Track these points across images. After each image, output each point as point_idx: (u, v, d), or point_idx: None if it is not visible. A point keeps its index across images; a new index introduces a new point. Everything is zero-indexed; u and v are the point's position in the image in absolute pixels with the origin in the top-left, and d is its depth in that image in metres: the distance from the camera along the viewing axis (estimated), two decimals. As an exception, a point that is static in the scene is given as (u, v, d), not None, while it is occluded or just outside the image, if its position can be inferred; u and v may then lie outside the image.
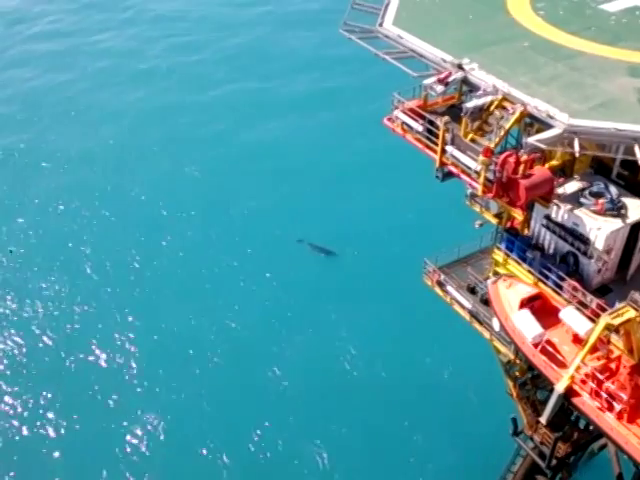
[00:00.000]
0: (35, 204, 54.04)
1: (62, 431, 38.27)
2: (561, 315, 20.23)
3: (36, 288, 46.42)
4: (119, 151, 60.01)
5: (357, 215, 51.64)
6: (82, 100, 66.93)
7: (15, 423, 38.63)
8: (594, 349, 19.16)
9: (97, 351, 42.24)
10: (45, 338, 43.60)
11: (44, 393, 39.90)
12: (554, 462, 26.53)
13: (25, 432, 38.40)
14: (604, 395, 19.00)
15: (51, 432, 38.34)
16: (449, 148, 21.62)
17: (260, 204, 53.18)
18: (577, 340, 20.02)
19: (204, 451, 37.17)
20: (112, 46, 76.75)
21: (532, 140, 19.30)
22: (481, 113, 20.99)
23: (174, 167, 57.80)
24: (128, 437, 37.83)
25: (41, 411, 39.23)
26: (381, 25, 24.61)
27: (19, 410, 39.17)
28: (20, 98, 67.91)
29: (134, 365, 41.48)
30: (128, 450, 37.29)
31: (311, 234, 49.78)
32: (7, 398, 39.63)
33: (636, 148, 18.77)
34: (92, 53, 75.50)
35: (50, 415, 39.12)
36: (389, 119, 23.92)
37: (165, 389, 40.27)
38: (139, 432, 38.04)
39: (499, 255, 23.30)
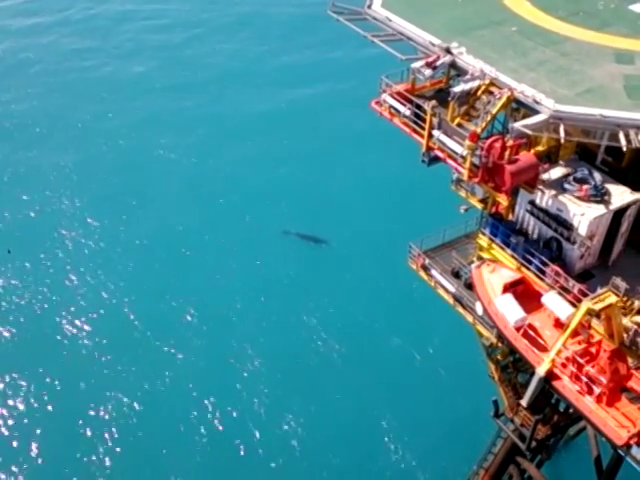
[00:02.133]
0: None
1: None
2: (543, 300, 20.43)
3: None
4: (93, 136, 58.73)
5: (344, 202, 51.37)
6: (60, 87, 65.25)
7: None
8: (575, 333, 19.39)
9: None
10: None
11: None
12: (534, 444, 26.90)
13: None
14: (584, 379, 19.26)
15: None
16: (436, 132, 21.63)
17: (243, 194, 52.58)
18: (558, 324, 20.25)
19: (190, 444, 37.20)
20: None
21: (518, 125, 19.36)
22: (468, 98, 21.01)
23: (155, 154, 56.85)
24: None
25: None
26: (370, 7, 24.46)
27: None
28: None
29: (106, 353, 41.18)
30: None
31: (298, 224, 49.36)
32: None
33: (621, 134, 18.90)
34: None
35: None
36: (377, 102, 23.84)
37: (145, 375, 40.15)
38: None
39: (483, 240, 23.44)
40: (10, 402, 38.66)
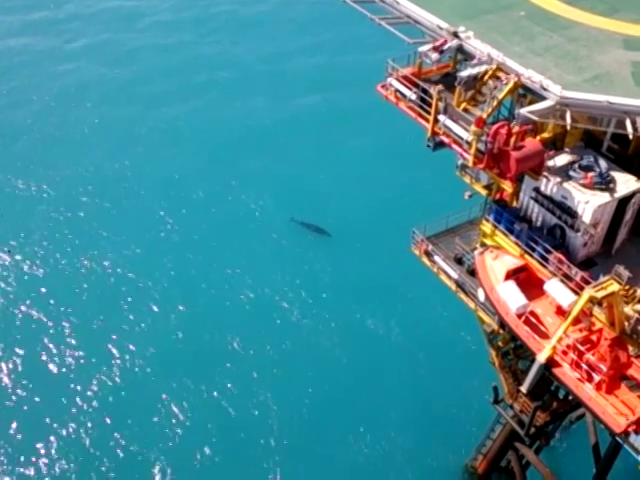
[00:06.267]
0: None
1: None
2: (545, 287, 20.46)
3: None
4: (93, 136, 57.93)
5: (347, 189, 50.89)
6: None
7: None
8: (577, 321, 19.43)
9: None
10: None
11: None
12: (533, 430, 27.08)
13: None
14: (584, 366, 19.33)
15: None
16: (442, 117, 21.51)
17: (246, 183, 52.17)
18: (560, 312, 20.27)
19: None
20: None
21: (524, 111, 19.25)
22: (475, 83, 20.86)
23: (152, 148, 56.11)
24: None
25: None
26: (377, -11, 24.20)
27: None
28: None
29: (123, 356, 40.76)
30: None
31: (301, 212, 48.90)
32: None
33: (627, 122, 18.80)
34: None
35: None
36: (382, 86, 23.69)
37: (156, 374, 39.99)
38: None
39: (487, 226, 23.41)
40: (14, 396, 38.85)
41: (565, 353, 19.72)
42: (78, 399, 38.23)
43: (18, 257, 46.46)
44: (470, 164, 21.09)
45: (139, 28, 72.72)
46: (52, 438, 36.42)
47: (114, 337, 41.36)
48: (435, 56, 21.21)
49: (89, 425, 37.05)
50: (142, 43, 69.93)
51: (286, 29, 71.18)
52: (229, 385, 39.13)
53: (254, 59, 66.64)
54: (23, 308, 43.07)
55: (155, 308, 43.37)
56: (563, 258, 20.51)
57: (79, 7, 76.43)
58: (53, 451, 36.00)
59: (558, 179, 20.77)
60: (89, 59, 67.37)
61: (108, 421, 37.21)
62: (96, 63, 66.72)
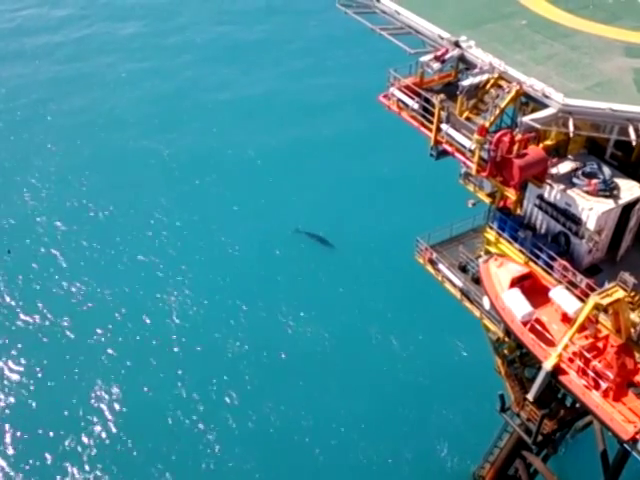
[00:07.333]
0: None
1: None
2: (551, 294, 20.43)
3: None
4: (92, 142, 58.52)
5: (351, 202, 51.02)
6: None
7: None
8: (582, 328, 19.39)
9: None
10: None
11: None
12: (540, 438, 26.95)
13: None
14: (591, 373, 19.27)
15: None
16: (444, 126, 21.60)
17: (249, 194, 52.41)
18: (566, 319, 20.23)
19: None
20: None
21: (527, 119, 19.33)
22: (477, 91, 20.96)
23: (156, 159, 56.64)
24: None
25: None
26: (379, 0, 24.38)
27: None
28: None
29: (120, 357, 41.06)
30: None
31: (305, 221, 49.09)
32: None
33: (630, 129, 18.83)
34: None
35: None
36: (385, 96, 23.82)
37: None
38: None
39: (491, 234, 23.42)
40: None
41: (571, 360, 19.66)
42: (75, 411, 38.32)
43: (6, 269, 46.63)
44: (473, 172, 21.15)
45: (134, 51, 72.80)
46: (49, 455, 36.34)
47: (109, 352, 41.41)
48: (437, 66, 21.35)
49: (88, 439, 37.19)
50: (135, 66, 70.00)
51: (285, 50, 71.28)
52: (229, 395, 39.09)
53: (254, 81, 66.67)
54: (19, 323, 43.16)
55: (151, 318, 43.34)
56: (568, 265, 20.50)
57: (66, 32, 76.33)
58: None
59: (562, 186, 20.79)
60: (79, 85, 67.09)
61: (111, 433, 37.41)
62: (87, 87, 66.62)
